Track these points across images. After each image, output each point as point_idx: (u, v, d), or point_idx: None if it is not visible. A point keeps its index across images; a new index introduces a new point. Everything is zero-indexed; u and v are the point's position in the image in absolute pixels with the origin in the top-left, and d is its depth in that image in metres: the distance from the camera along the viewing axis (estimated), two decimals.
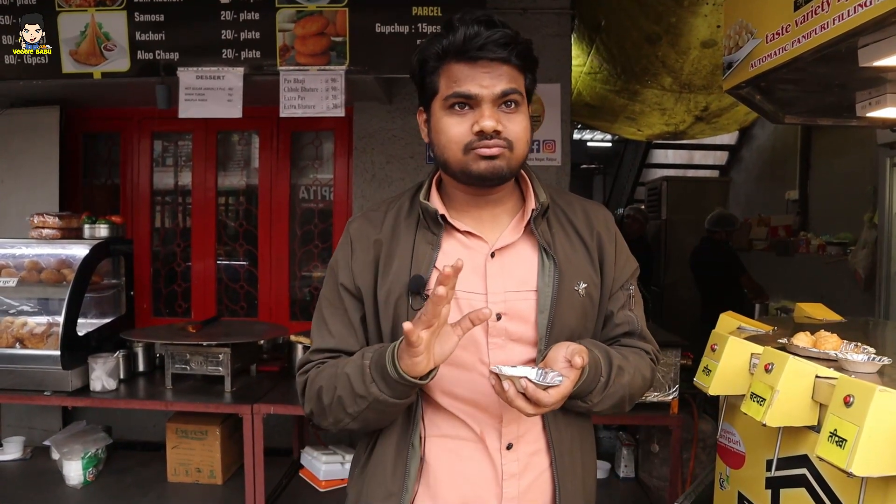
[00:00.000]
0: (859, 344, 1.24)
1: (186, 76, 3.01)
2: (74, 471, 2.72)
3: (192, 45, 2.97)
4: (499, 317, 1.08)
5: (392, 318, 1.08)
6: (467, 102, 1.03)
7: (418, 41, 2.93)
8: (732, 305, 2.31)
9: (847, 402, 0.89)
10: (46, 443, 3.01)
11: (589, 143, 7.80)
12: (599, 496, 2.73)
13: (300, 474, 2.85)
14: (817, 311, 1.83)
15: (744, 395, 1.18)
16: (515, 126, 1.04)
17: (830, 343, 1.27)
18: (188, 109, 3.03)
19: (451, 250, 1.10)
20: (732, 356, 1.26)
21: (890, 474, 0.86)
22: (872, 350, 1.21)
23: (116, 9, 2.95)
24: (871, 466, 0.85)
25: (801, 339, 1.30)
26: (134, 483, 2.78)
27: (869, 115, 1.56)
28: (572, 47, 4.59)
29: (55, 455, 2.85)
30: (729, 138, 6.76)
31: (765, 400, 1.07)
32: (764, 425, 1.06)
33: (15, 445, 3.08)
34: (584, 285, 1.12)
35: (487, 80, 1.02)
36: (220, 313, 3.80)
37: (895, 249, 3.55)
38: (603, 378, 1.06)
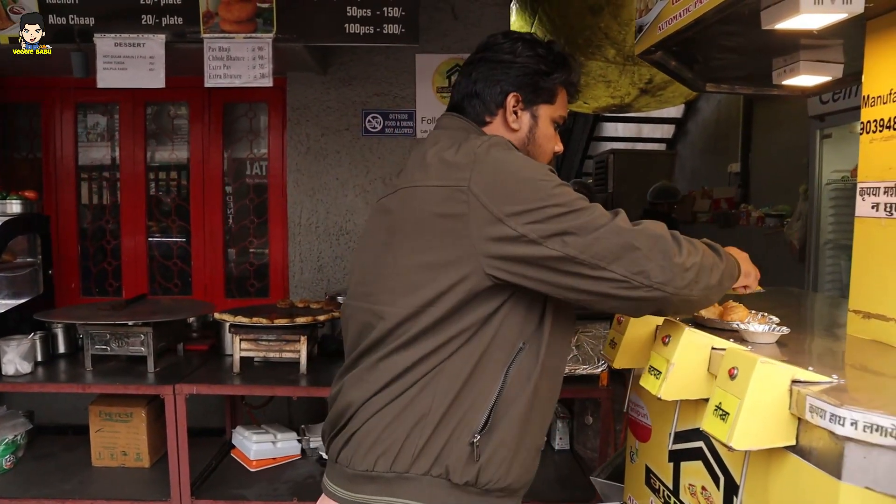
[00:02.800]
0: (766, 315, 1.23)
1: (103, 43, 2.85)
2: None
3: (108, 10, 2.82)
4: None
5: None
6: (559, 126, 1.26)
7: (348, 9, 2.83)
8: None
9: (731, 375, 0.87)
10: None
11: None
12: (554, 475, 2.70)
13: (232, 454, 2.79)
14: None
15: None
16: None
17: (737, 314, 1.26)
18: (106, 79, 2.88)
19: None
20: (638, 329, 1.24)
21: (768, 447, 0.85)
22: (776, 320, 1.20)
23: None
24: (751, 440, 0.84)
25: (710, 311, 1.29)
26: (57, 468, 2.68)
27: (784, 82, 1.54)
28: (514, 17, 4.53)
29: None
30: (675, 111, 6.81)
31: (661, 373, 1.05)
32: (659, 399, 1.04)
33: None
34: None
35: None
36: (151, 291, 3.67)
37: (825, 220, 3.63)
38: None
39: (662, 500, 1.24)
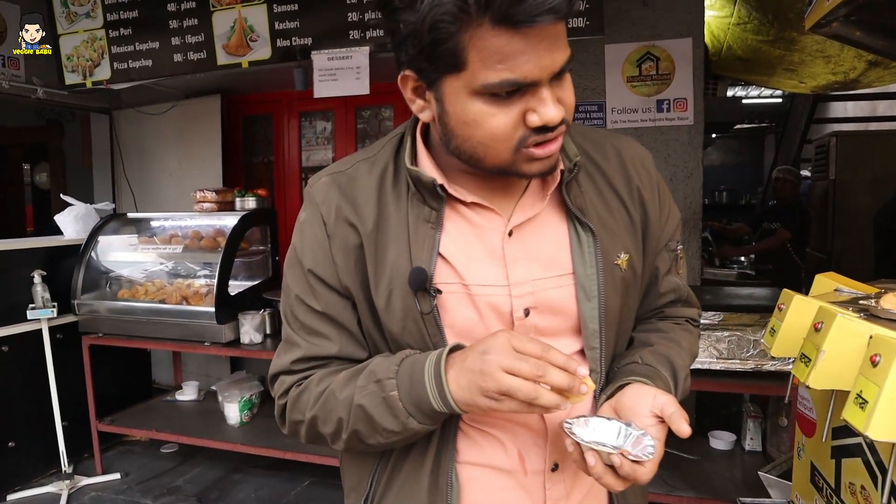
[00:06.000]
0: None
1: (319, 58, 3.27)
2: (233, 412, 3.14)
3: (322, 29, 3.22)
4: (526, 312, 0.87)
5: (398, 324, 0.85)
6: (518, 87, 0.73)
7: None
8: None
9: (873, 362, 0.83)
10: (213, 388, 3.48)
11: (745, 101, 7.19)
12: (722, 467, 2.64)
13: None
14: None
15: None
16: (569, 95, 0.78)
17: None
18: (322, 89, 3.29)
19: (456, 230, 0.87)
20: (798, 316, 1.19)
21: None
22: None
23: (257, 3, 3.26)
24: (890, 430, 0.79)
25: (889, 302, 1.19)
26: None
27: None
28: None
29: (220, 398, 3.29)
30: None
31: (810, 360, 1.02)
32: (807, 388, 1.01)
33: (191, 388, 3.61)
34: (626, 256, 0.91)
35: (546, 57, 0.72)
36: None
37: None
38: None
39: (825, 499, 1.18)
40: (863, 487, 1.03)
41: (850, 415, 0.85)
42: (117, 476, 3.26)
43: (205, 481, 3.22)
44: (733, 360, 2.16)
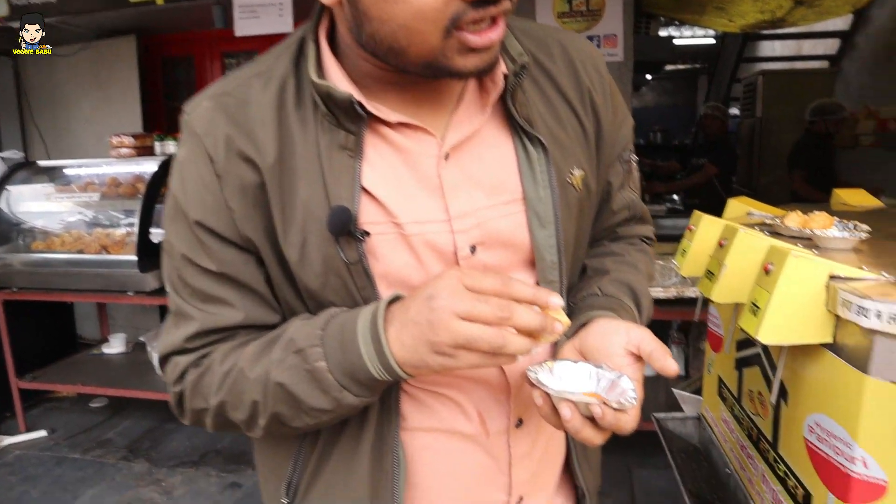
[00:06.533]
0: (858, 224, 1.16)
1: None
2: None
3: None
4: (473, 249, 0.74)
5: (317, 278, 0.70)
6: None
7: None
8: None
9: (766, 271, 0.86)
10: (141, 339, 3.40)
11: (677, 41, 7.26)
12: (648, 391, 2.75)
13: None
14: (855, 196, 1.71)
15: None
16: None
17: (818, 222, 1.19)
18: (243, 27, 3.14)
19: (380, 158, 0.72)
20: (706, 236, 1.21)
21: (799, 343, 0.83)
22: (865, 228, 1.13)
23: None
24: (781, 334, 0.82)
25: (792, 220, 1.23)
26: None
27: None
28: None
29: (148, 349, 3.21)
30: (843, 23, 6.06)
31: (714, 275, 1.04)
32: (712, 303, 1.04)
33: (119, 341, 3.51)
34: (580, 173, 0.79)
35: None
36: None
37: None
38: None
39: (729, 408, 1.24)
40: (759, 393, 1.08)
41: (745, 322, 0.88)
42: (43, 433, 3.19)
43: (136, 432, 3.19)
44: (656, 289, 2.23)
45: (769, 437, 1.04)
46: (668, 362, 0.68)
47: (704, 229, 1.22)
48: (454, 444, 0.78)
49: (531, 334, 0.63)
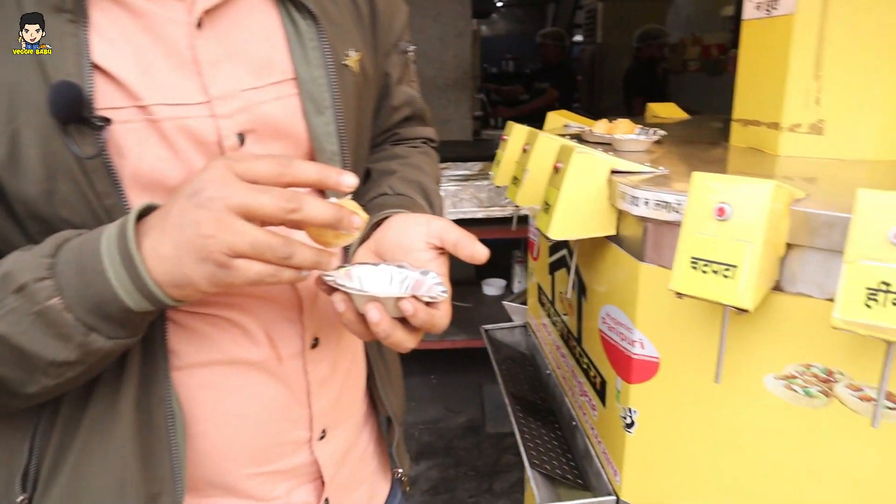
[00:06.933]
0: (657, 130, 1.22)
1: None
2: None
3: None
4: (241, 138, 0.63)
5: (38, 184, 0.54)
6: None
7: None
8: None
9: (556, 169, 0.88)
10: None
11: None
12: (494, 310, 2.81)
13: None
14: (666, 110, 1.81)
15: None
16: None
17: (621, 128, 1.24)
18: None
19: (112, 25, 0.58)
20: (516, 144, 1.23)
21: (586, 236, 0.86)
22: (661, 132, 1.19)
23: None
24: (570, 230, 0.85)
25: (598, 127, 1.27)
26: None
27: None
28: None
29: None
30: None
31: (518, 180, 1.06)
32: (517, 207, 1.05)
33: None
34: (357, 54, 0.71)
35: None
36: None
37: None
38: None
39: (546, 312, 1.30)
40: (565, 293, 1.13)
41: (539, 221, 0.90)
42: None
43: None
44: (493, 208, 2.28)
45: (575, 334, 1.09)
46: (476, 248, 0.63)
47: (514, 138, 1.23)
48: (241, 377, 0.67)
49: (322, 239, 0.55)
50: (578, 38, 6.96)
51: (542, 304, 1.33)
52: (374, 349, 0.85)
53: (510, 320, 2.07)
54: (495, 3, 7.08)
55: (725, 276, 0.63)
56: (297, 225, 0.53)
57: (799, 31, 0.98)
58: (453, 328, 2.60)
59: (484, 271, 3.18)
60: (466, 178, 2.25)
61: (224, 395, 0.67)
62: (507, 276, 2.98)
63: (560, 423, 1.20)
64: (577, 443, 1.09)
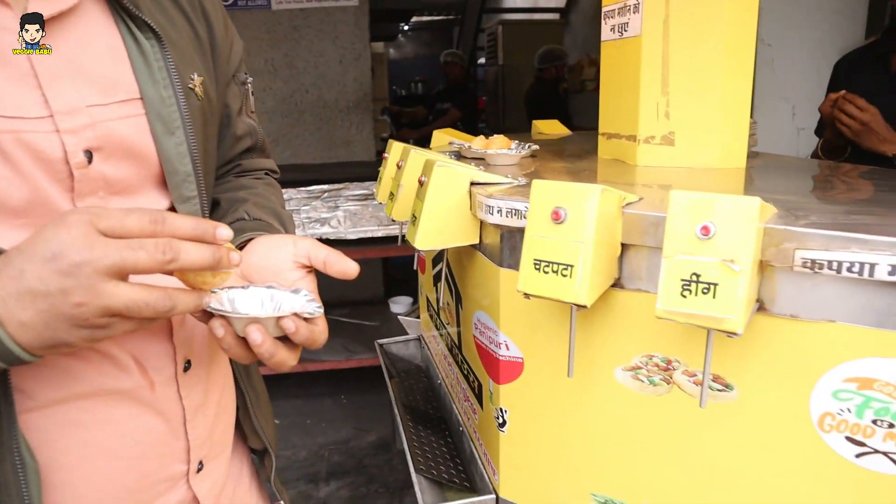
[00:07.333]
0: (531, 145, 1.28)
1: None
2: None
3: None
4: (89, 156, 0.59)
5: None
6: None
7: None
8: None
9: (420, 182, 0.91)
10: None
11: None
12: (400, 328, 2.82)
13: None
14: (549, 126, 1.90)
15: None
16: None
17: (497, 143, 1.30)
18: None
19: None
20: (395, 160, 1.27)
21: (451, 246, 0.90)
22: (535, 147, 1.25)
23: None
24: (434, 240, 0.89)
25: (476, 143, 1.32)
26: None
27: None
28: None
29: None
30: None
31: (394, 195, 1.09)
32: (394, 221, 1.09)
33: None
34: (200, 79, 0.71)
35: None
36: None
37: None
38: None
39: (434, 323, 1.33)
40: (448, 302, 1.17)
41: (409, 233, 0.93)
42: None
43: None
44: (393, 226, 2.31)
45: (457, 342, 1.13)
46: (346, 264, 0.63)
47: (393, 155, 1.27)
48: (108, 410, 0.62)
49: (197, 284, 0.54)
50: (482, 60, 7.16)
51: (431, 316, 1.36)
52: (244, 376, 0.83)
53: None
54: (402, 27, 7.18)
55: (564, 276, 0.67)
56: (174, 273, 0.52)
57: (646, 51, 1.07)
58: (361, 347, 2.60)
59: (392, 290, 3.20)
60: (366, 198, 2.28)
61: (89, 434, 0.61)
62: (415, 293, 3.01)
63: (450, 430, 1.23)
64: (464, 447, 1.12)
